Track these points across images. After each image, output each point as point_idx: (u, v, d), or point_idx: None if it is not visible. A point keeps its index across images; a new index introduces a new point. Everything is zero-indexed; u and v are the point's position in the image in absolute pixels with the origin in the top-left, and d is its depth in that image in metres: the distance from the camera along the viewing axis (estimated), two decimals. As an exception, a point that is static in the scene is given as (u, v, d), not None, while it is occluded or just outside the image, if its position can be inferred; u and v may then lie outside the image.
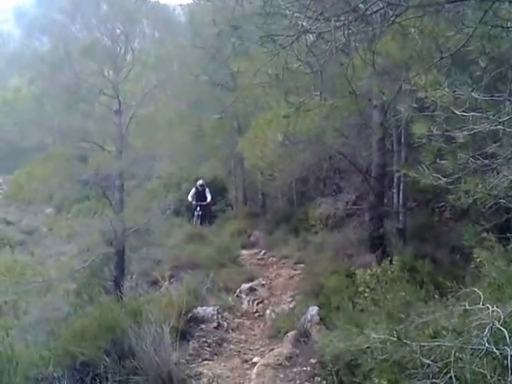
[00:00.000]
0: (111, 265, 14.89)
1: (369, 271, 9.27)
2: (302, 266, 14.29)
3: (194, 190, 22.05)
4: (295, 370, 8.98)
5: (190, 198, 22.07)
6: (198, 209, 21.95)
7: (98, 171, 14.07)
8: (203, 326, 10.55)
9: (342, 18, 4.61)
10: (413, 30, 5.57)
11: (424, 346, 4.57)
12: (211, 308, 11.01)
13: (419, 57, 6.88)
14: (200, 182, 22.00)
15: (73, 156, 14.44)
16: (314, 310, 10.35)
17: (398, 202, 13.68)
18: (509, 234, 6.72)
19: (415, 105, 7.27)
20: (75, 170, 14.05)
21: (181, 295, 10.68)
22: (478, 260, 6.83)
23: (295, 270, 14.24)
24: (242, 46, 16.26)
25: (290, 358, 9.31)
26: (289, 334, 10.00)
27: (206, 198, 22.00)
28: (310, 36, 5.18)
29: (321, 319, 9.89)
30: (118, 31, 15.18)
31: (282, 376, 8.84)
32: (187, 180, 23.14)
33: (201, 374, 8.98)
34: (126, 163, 14.66)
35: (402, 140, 12.83)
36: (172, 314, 9.77)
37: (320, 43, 5.54)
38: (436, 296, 6.69)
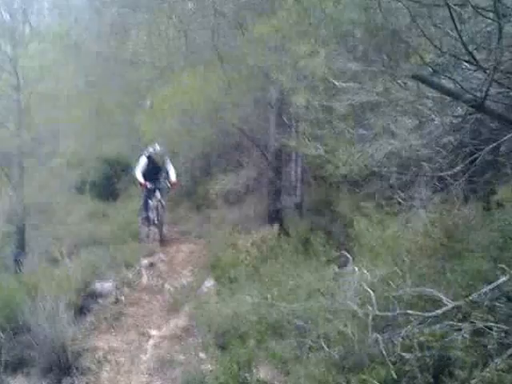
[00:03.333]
0: (12, 243, 14.82)
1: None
2: (202, 241, 14.46)
3: (144, 160, 13.96)
4: (191, 340, 9.20)
5: (138, 176, 13.91)
6: (158, 195, 14.01)
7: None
8: (101, 300, 10.67)
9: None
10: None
11: (295, 307, 4.84)
12: (109, 283, 11.10)
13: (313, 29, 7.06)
14: (155, 147, 13.95)
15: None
16: (210, 282, 10.61)
17: (296, 176, 13.98)
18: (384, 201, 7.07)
19: (296, 76, 7.48)
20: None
21: (78, 271, 10.76)
22: (357, 228, 7.15)
23: (196, 245, 14.36)
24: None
25: (187, 329, 9.51)
26: (186, 307, 10.18)
27: (165, 175, 14.20)
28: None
29: (217, 291, 10.12)
30: (16, 5, 14.99)
31: (177, 347, 9.06)
32: (90, 158, 22.04)
33: (96, 347, 9.14)
34: (25, 140, 14.52)
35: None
36: (69, 289, 9.85)
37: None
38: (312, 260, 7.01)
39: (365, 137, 6.64)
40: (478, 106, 4.03)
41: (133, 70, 17.50)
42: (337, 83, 6.04)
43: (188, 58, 13.69)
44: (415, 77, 4.19)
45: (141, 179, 13.84)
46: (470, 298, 4.41)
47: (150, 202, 14.11)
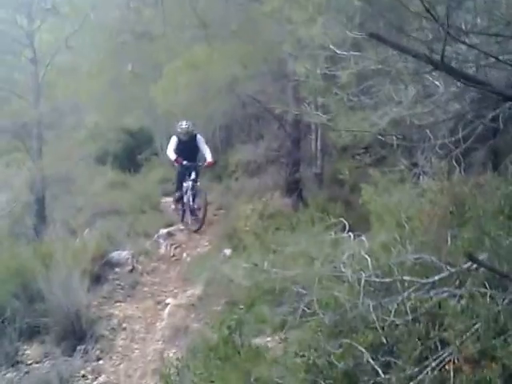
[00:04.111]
0: (32, 213, 15.01)
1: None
2: (222, 211, 14.51)
3: (175, 139, 13.09)
4: (207, 309, 9.24)
5: (170, 154, 13.02)
6: (193, 175, 13.01)
7: (14, 119, 14.08)
8: (118, 269, 10.75)
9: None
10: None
11: (290, 273, 4.84)
12: (126, 252, 11.17)
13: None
14: (184, 124, 12.94)
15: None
16: (227, 252, 10.63)
17: (316, 147, 13.93)
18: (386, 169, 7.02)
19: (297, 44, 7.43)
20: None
21: (95, 240, 10.85)
22: (366, 196, 7.09)
23: (216, 215, 14.42)
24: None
25: (203, 298, 9.55)
26: (203, 276, 10.22)
27: (196, 155, 13.24)
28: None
29: (227, 260, 10.16)
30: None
31: (193, 316, 9.10)
32: (112, 130, 22.07)
33: (112, 315, 9.24)
34: (44, 112, 14.65)
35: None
36: (85, 258, 9.94)
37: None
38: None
39: (368, 104, 6.59)
40: (438, 65, 3.95)
41: (148, 42, 17.49)
42: (338, 51, 5.98)
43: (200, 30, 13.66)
44: (371, 35, 4.10)
45: (172, 156, 12.90)
46: (467, 265, 4.38)
47: (184, 182, 13.13)
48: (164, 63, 16.31)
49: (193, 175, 12.92)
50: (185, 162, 12.84)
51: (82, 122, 22.27)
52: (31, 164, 14.38)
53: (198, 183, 13.03)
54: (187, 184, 12.99)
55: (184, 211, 13.42)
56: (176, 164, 13.13)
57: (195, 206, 12.99)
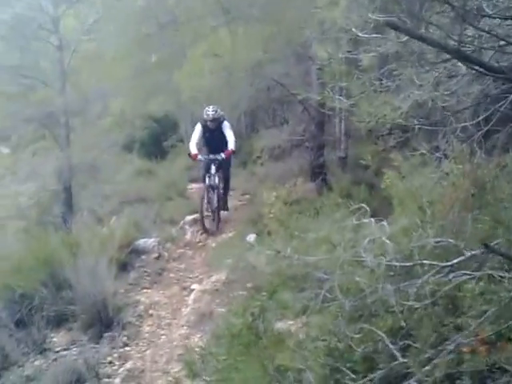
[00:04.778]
0: (60, 202, 15.15)
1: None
2: (247, 197, 14.57)
3: (199, 128, 12.17)
4: (231, 294, 9.29)
5: (191, 146, 12.14)
6: (213, 168, 12.06)
7: (40, 108, 14.17)
8: (144, 256, 10.84)
9: None
10: None
11: (312, 260, 4.86)
12: (152, 239, 11.27)
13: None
14: (210, 110, 11.91)
15: (15, 93, 14.52)
16: (251, 237, 10.66)
17: (340, 130, 13.91)
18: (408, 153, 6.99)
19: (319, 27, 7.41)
20: (18, 108, 14.15)
21: (122, 228, 10.94)
22: (388, 180, 7.07)
23: (241, 201, 14.52)
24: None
25: (228, 283, 9.61)
26: (227, 261, 10.28)
27: (224, 143, 12.03)
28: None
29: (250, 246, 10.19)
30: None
31: (218, 301, 9.15)
32: (138, 117, 22.09)
33: (138, 301, 9.33)
34: (70, 100, 14.73)
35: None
36: (112, 246, 10.03)
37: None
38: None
39: (390, 88, 6.57)
40: (453, 53, 3.94)
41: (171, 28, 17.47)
42: (360, 34, 5.95)
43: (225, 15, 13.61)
44: (388, 24, 4.09)
45: (192, 150, 12.01)
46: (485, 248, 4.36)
47: (207, 177, 12.08)
48: (187, 49, 16.35)
49: (212, 169, 12.00)
50: (199, 157, 12.05)
51: (108, 109, 22.35)
52: (58, 152, 14.48)
53: (217, 178, 12.12)
54: (207, 180, 12.10)
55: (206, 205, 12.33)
56: (192, 159, 12.38)
57: (215, 207, 12.32)
